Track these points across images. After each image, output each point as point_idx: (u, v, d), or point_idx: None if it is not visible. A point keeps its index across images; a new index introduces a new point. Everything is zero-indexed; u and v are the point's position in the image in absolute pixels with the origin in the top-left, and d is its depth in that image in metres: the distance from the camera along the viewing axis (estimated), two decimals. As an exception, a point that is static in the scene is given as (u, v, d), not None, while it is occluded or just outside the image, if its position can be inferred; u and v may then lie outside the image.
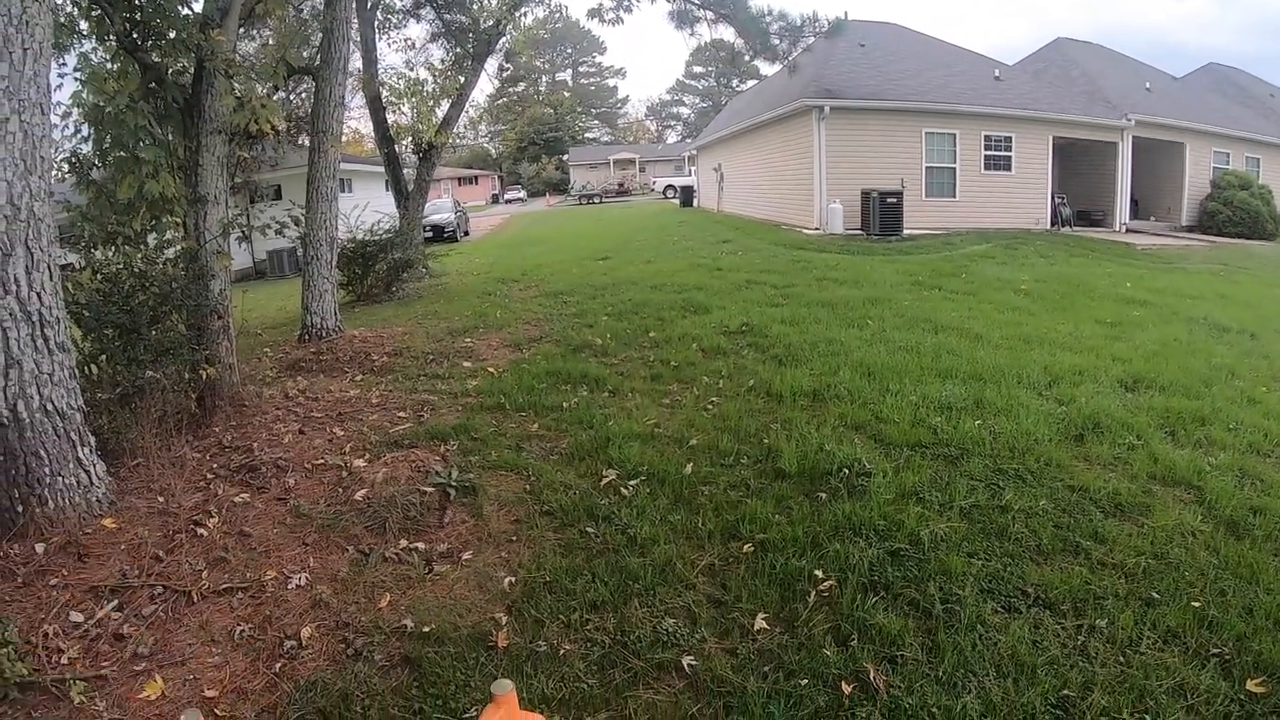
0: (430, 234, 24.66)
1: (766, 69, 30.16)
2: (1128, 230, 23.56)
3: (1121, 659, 3.20)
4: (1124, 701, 2.94)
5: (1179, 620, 3.43)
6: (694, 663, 3.24)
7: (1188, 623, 3.41)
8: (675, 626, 3.48)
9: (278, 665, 3.36)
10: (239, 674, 3.32)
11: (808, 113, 20.56)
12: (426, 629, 3.53)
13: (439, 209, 30.04)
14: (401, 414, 6.55)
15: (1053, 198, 22.86)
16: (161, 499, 4.86)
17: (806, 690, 3.04)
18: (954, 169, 21.43)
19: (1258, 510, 4.49)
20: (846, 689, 3.03)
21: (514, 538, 4.38)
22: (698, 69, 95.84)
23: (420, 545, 4.30)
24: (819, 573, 3.82)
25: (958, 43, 27.38)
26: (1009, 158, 21.88)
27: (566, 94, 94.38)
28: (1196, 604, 3.54)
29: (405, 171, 17.21)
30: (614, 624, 3.51)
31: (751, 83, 43.11)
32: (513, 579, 3.93)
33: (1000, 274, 13.76)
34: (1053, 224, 22.61)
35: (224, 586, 3.94)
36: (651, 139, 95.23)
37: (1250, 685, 3.03)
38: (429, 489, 4.84)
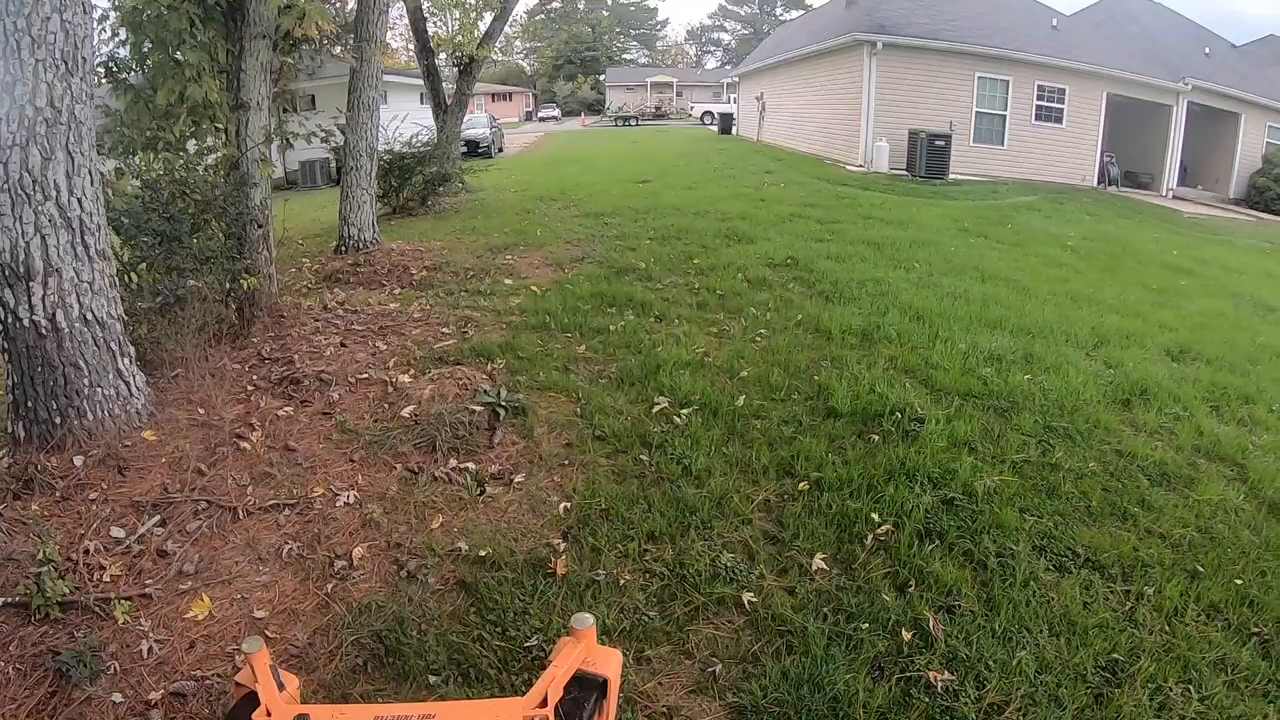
0: (465, 149, 24.37)
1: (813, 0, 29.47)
2: (1174, 196, 23.08)
3: (1167, 629, 3.20)
4: (1170, 671, 2.95)
5: (1222, 596, 3.42)
6: (753, 599, 3.24)
7: (1230, 599, 3.41)
8: (734, 561, 3.47)
9: (329, 586, 3.32)
10: (289, 594, 3.28)
11: (859, 47, 20.10)
12: (482, 553, 3.51)
13: (474, 124, 29.61)
14: (445, 330, 6.51)
15: (1101, 155, 22.42)
16: (202, 411, 4.79)
17: (866, 634, 3.04)
18: (1004, 116, 21.02)
19: (1299, 495, 4.45)
20: (906, 635, 3.04)
21: (565, 461, 4.36)
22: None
23: (470, 466, 4.26)
24: (875, 516, 3.81)
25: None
26: (1061, 110, 21.42)
27: (605, 13, 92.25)
28: (1239, 581, 3.53)
29: (444, 85, 16.94)
30: (672, 556, 3.50)
31: (796, 13, 42.01)
32: (567, 504, 3.91)
33: (1047, 227, 13.58)
34: (1099, 182, 22.23)
35: (270, 503, 3.88)
36: (690, 64, 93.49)
37: (1288, 667, 3.03)
38: (478, 408, 4.78)
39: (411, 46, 17.65)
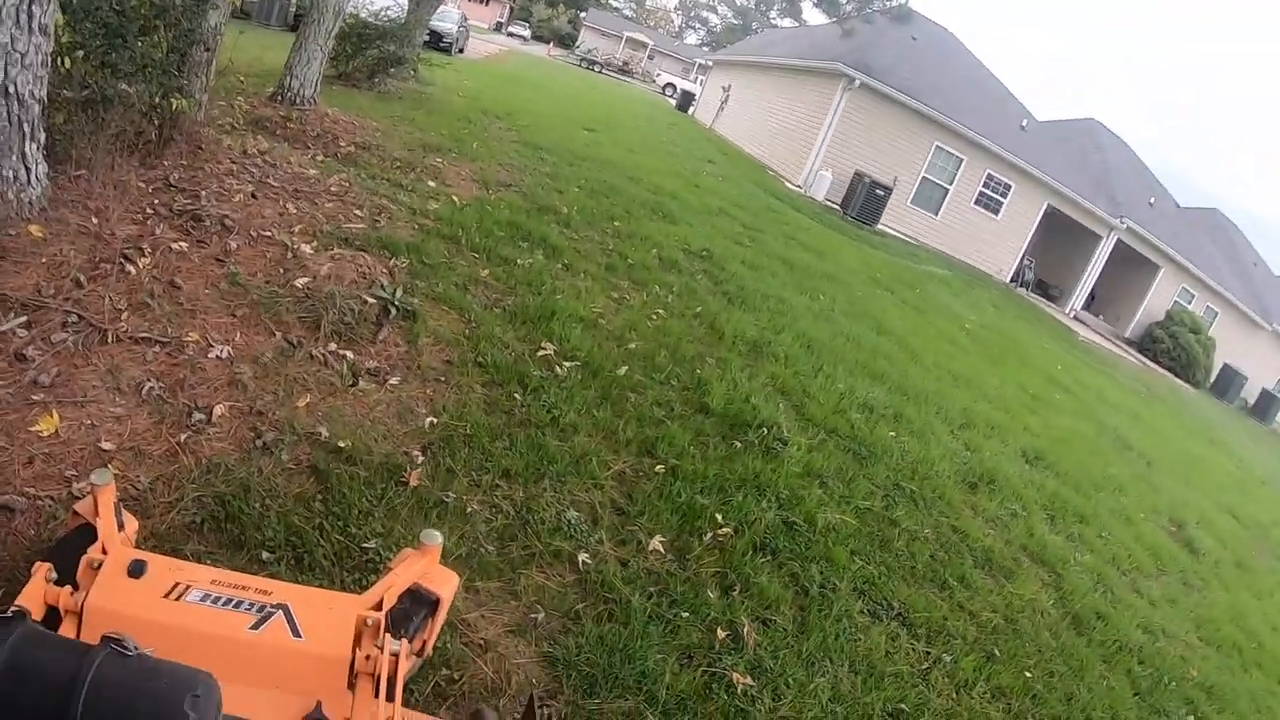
0: (427, 37, 23.54)
1: (810, 16, 29.61)
2: (1075, 317, 24.36)
3: (955, 696, 3.46)
4: (947, 736, 3.16)
5: (1010, 683, 3.72)
6: (588, 561, 3.30)
7: (1017, 687, 3.71)
8: (578, 520, 3.53)
9: (183, 436, 3.17)
10: (140, 433, 3.12)
11: (837, 77, 20.35)
12: (340, 444, 3.43)
13: (445, 16, 28.57)
14: (358, 211, 6.28)
15: (1023, 257, 23.41)
16: (95, 221, 4.48)
17: (685, 623, 3.16)
18: (947, 190, 21.69)
19: (1101, 616, 4.86)
20: (720, 634, 3.16)
21: (442, 378, 4.32)
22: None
23: (349, 355, 4.16)
24: (720, 517, 3.94)
25: (990, 64, 27.21)
26: (1001, 203, 22.25)
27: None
28: (1029, 674, 3.85)
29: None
30: (521, 498, 3.53)
31: (789, 22, 42.09)
32: (434, 420, 3.88)
33: (952, 304, 14.07)
34: (1013, 280, 23.23)
35: (142, 335, 3.67)
36: (671, 32, 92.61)
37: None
38: (370, 300, 4.67)
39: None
